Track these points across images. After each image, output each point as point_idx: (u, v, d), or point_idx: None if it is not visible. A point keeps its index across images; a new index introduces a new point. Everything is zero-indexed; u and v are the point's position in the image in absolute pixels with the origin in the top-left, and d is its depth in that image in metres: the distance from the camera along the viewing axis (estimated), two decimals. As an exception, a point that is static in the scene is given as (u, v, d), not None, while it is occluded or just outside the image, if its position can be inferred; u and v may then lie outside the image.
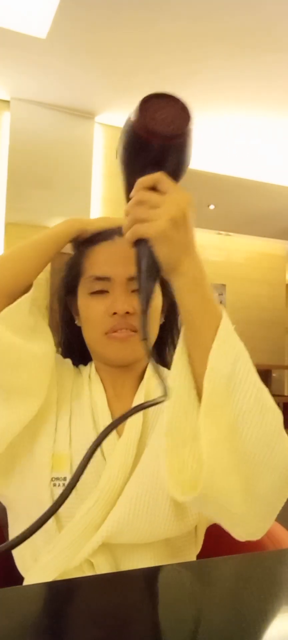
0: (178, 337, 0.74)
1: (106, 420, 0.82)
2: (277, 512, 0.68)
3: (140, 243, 0.62)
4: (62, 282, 0.90)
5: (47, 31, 3.36)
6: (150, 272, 0.63)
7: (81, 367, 0.93)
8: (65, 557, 0.74)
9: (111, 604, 0.51)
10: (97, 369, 0.89)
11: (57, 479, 0.78)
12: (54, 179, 4.31)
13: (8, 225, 4.18)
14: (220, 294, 7.16)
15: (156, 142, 0.61)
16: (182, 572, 0.60)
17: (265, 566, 0.61)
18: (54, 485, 0.78)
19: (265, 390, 0.67)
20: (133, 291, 0.81)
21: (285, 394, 7.67)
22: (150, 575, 0.60)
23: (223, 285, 7.17)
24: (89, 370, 0.91)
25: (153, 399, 0.58)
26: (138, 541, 0.75)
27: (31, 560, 0.79)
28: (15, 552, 0.83)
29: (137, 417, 0.81)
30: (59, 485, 0.78)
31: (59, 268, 0.94)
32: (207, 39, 3.39)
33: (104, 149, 4.55)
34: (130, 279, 0.81)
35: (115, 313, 0.80)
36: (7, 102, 4.21)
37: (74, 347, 0.93)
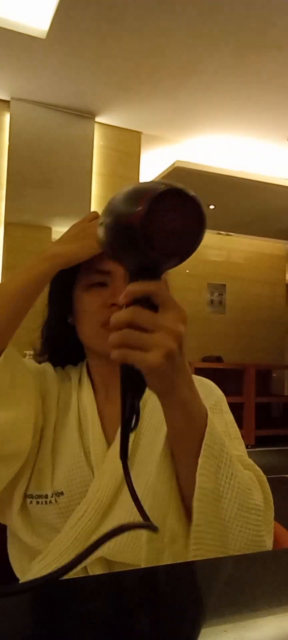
0: None
1: (96, 427, 0.81)
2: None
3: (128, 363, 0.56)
4: (58, 279, 0.84)
5: (47, 31, 3.36)
6: (137, 392, 0.57)
7: (70, 368, 0.91)
8: (55, 567, 0.73)
9: (110, 604, 0.51)
10: (90, 369, 0.87)
11: (40, 496, 0.77)
12: (54, 179, 4.31)
13: (8, 225, 4.18)
14: (220, 294, 7.16)
15: (158, 254, 0.52)
16: (182, 572, 0.60)
17: (265, 566, 0.61)
18: (38, 503, 0.76)
19: (246, 486, 0.65)
20: None
21: (285, 394, 7.67)
22: (148, 574, 0.60)
23: (223, 285, 7.17)
24: (80, 372, 0.89)
25: (140, 522, 0.55)
26: (138, 562, 0.73)
27: (27, 563, 0.79)
28: (13, 557, 0.83)
29: None
30: (39, 502, 0.76)
31: None
32: (207, 40, 3.39)
33: (104, 149, 4.55)
34: None
35: (113, 305, 0.79)
36: (7, 102, 4.21)
37: (62, 348, 0.91)
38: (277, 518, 0.81)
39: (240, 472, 0.66)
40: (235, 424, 0.83)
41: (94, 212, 0.86)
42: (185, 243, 0.53)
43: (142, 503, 0.65)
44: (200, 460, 0.62)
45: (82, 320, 0.83)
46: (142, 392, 0.58)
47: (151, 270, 0.54)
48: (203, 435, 0.62)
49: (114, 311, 0.79)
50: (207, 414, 0.64)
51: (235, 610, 0.47)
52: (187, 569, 0.61)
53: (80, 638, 0.44)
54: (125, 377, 0.57)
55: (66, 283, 0.85)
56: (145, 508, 0.61)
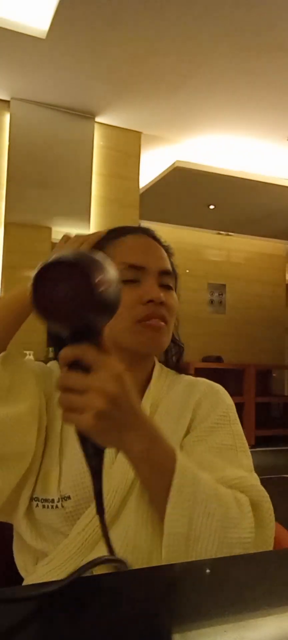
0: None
1: None
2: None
3: None
4: None
5: (47, 31, 3.36)
6: (95, 452, 0.59)
7: None
8: (60, 572, 0.72)
9: (110, 604, 0.51)
10: None
11: (46, 500, 0.76)
12: (54, 179, 4.31)
13: (8, 225, 4.18)
14: (220, 294, 7.16)
15: (64, 324, 0.54)
16: (181, 571, 0.60)
17: (265, 566, 0.61)
18: (44, 507, 0.75)
19: (229, 521, 0.66)
20: (161, 285, 0.83)
21: (285, 394, 7.67)
22: (148, 575, 0.60)
23: (223, 285, 7.17)
24: None
25: (111, 557, 0.60)
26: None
27: (32, 567, 0.79)
28: (17, 555, 0.83)
29: None
30: (45, 506, 0.75)
31: None
32: (207, 39, 3.39)
33: (104, 149, 4.55)
34: (161, 272, 0.83)
35: (150, 301, 0.80)
36: (7, 102, 4.21)
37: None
38: (277, 518, 0.81)
39: (221, 508, 0.65)
40: (243, 435, 0.83)
41: (65, 235, 0.88)
42: (86, 302, 0.52)
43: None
44: (167, 508, 0.63)
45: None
46: (100, 450, 0.58)
47: (80, 333, 0.55)
48: (172, 480, 0.63)
49: (150, 308, 0.80)
50: (175, 457, 0.65)
51: (235, 610, 0.47)
52: (187, 569, 0.61)
53: (81, 637, 0.44)
54: (80, 439, 0.59)
55: None
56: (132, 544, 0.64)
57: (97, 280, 0.51)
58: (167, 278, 0.86)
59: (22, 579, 0.80)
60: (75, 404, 0.56)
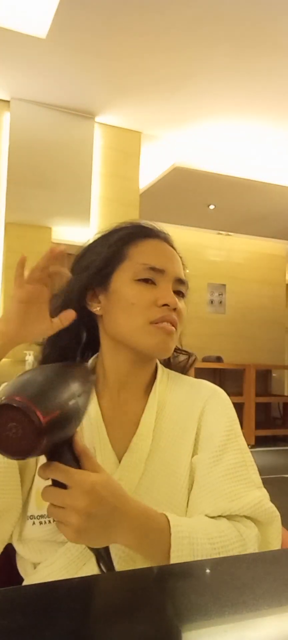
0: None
1: (103, 442, 0.80)
2: None
3: None
4: (91, 268, 0.85)
5: (47, 31, 3.36)
6: (91, 550, 0.64)
7: None
8: (61, 575, 0.73)
9: (110, 603, 0.51)
10: (106, 370, 0.87)
11: (42, 516, 0.76)
12: (53, 179, 4.31)
13: (8, 225, 4.18)
14: (220, 294, 7.15)
15: (24, 457, 0.54)
16: (181, 572, 0.60)
17: (265, 566, 0.61)
18: (41, 523, 0.76)
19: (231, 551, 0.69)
20: (175, 291, 0.84)
21: (285, 394, 7.67)
22: (148, 575, 0.60)
23: (223, 285, 7.17)
24: None
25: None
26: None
27: (32, 568, 0.79)
28: (18, 558, 0.83)
29: (147, 434, 0.81)
30: (42, 523, 0.76)
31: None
32: (207, 40, 3.39)
33: (104, 149, 4.55)
34: (177, 279, 0.85)
35: (165, 305, 0.81)
36: (7, 102, 4.21)
37: (78, 343, 0.91)
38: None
39: (221, 551, 0.68)
40: (247, 447, 0.84)
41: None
42: (35, 429, 0.51)
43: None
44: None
45: (127, 313, 0.82)
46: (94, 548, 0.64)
47: (51, 452, 0.59)
48: (169, 551, 0.66)
49: (164, 311, 0.81)
50: (169, 528, 0.67)
51: (235, 610, 0.47)
52: (187, 569, 0.61)
53: (82, 636, 0.44)
54: None
55: (102, 273, 0.85)
56: None
57: (42, 414, 0.50)
58: (181, 286, 0.87)
59: (22, 579, 0.81)
60: (58, 517, 0.60)
